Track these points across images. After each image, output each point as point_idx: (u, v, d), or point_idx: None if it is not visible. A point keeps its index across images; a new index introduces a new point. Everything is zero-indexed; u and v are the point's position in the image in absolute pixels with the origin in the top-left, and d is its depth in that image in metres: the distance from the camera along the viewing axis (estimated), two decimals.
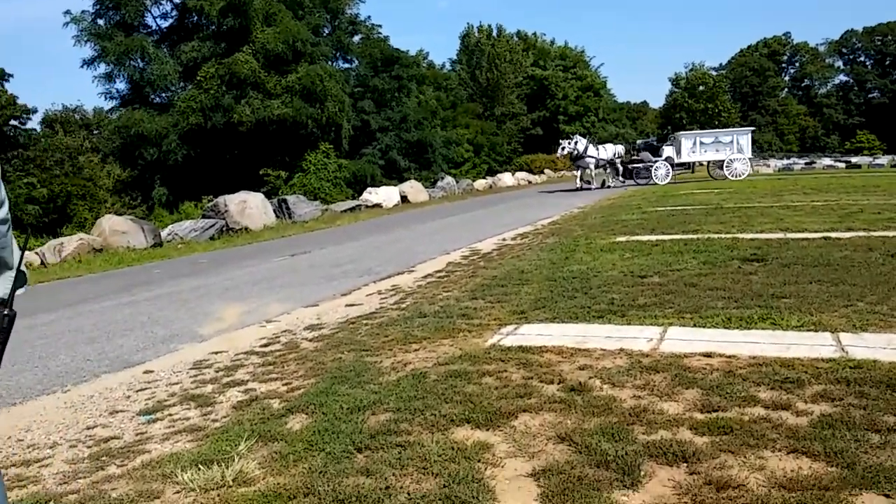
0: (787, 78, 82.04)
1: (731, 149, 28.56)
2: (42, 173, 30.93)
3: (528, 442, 3.20)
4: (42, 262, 14.09)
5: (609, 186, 28.97)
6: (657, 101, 78.42)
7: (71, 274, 12.72)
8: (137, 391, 4.71)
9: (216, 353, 5.63)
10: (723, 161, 28.50)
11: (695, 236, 9.83)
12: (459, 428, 3.41)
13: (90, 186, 34.60)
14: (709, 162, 29.83)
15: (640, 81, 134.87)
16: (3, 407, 4.62)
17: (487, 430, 3.38)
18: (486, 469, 2.95)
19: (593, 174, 29.26)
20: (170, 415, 4.11)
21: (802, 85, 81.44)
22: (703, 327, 4.98)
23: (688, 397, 3.62)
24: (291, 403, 4.00)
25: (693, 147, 28.89)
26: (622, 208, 16.37)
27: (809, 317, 5.00)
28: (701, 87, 63.50)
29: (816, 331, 4.67)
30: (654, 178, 28.06)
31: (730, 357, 4.22)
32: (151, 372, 5.20)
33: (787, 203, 14.50)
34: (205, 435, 3.66)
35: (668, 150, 29.02)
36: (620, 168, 29.62)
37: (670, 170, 28.43)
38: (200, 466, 3.12)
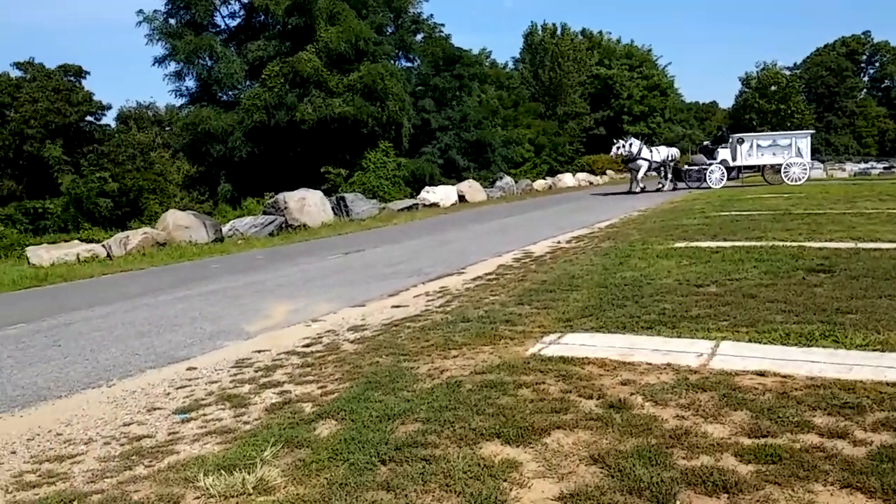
0: (865, 78, 78.38)
1: (790, 152, 27.20)
2: (115, 168, 32.22)
3: (559, 462, 3.05)
4: (108, 255, 14.60)
5: (673, 188, 27.91)
6: (727, 102, 76.19)
7: (134, 266, 13.13)
8: (178, 388, 4.75)
9: (259, 351, 5.65)
10: (780, 165, 27.20)
11: (758, 243, 9.40)
12: (489, 443, 3.29)
13: (160, 181, 35.83)
14: (763, 166, 28.39)
15: (709, 81, 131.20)
16: (50, 399, 4.73)
17: (518, 446, 3.24)
18: (511, 489, 2.82)
19: (641, 177, 27.72)
20: (204, 414, 4.11)
21: (882, 86, 77.64)
22: (759, 342, 4.70)
23: (735, 420, 3.40)
24: (323, 408, 3.95)
25: (750, 150, 27.50)
26: (684, 212, 15.87)
27: (876, 335, 4.66)
28: (773, 88, 61.25)
29: (883, 351, 4.34)
30: (707, 181, 26.92)
31: (785, 377, 3.96)
32: (194, 369, 5.25)
33: (860, 210, 13.76)
34: (234, 438, 3.64)
35: (723, 153, 27.61)
36: (670, 171, 28.42)
37: (725, 173, 27.22)
38: (223, 472, 3.09)
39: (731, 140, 28.28)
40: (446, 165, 33.45)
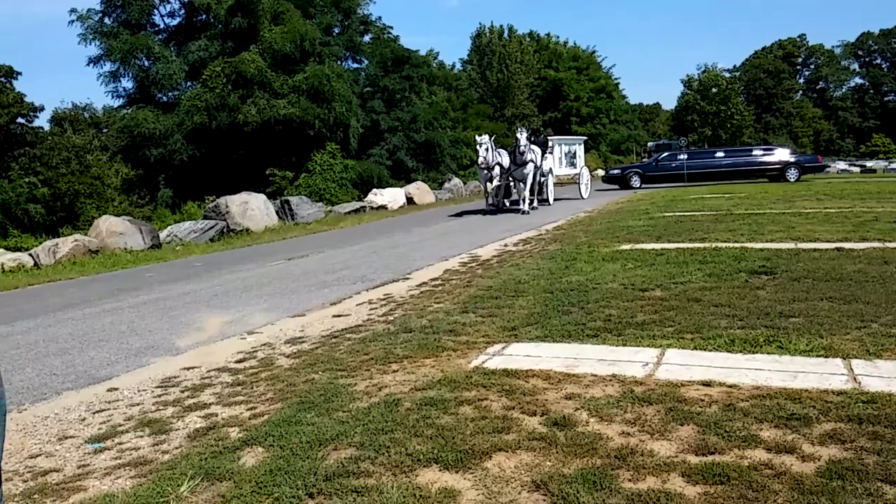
0: (801, 80, 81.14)
1: (577, 161, 25.16)
2: (48, 171, 30.87)
3: (500, 489, 2.86)
4: (36, 264, 13.86)
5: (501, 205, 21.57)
6: (669, 103, 77.73)
7: (63, 276, 12.47)
8: (95, 413, 4.41)
9: (188, 368, 5.32)
10: (576, 174, 24.83)
11: (702, 245, 9.45)
12: (426, 469, 3.08)
13: (98, 185, 34.51)
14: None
15: (652, 83, 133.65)
16: None
17: (456, 472, 3.04)
18: None
19: (529, 187, 20.18)
20: (120, 443, 3.79)
21: (817, 87, 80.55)
22: (704, 350, 4.62)
23: (682, 435, 3.27)
24: (250, 434, 3.68)
25: (562, 158, 24.24)
26: (630, 213, 15.97)
27: (819, 339, 4.63)
28: (714, 89, 62.61)
29: (826, 356, 4.30)
30: (546, 194, 22.42)
31: (731, 387, 3.87)
32: (116, 389, 4.90)
33: (799, 210, 14.05)
34: (150, 470, 3.34)
35: (550, 160, 22.96)
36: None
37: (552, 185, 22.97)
38: None
39: (550, 145, 23.24)
40: (395, 167, 33.10)
